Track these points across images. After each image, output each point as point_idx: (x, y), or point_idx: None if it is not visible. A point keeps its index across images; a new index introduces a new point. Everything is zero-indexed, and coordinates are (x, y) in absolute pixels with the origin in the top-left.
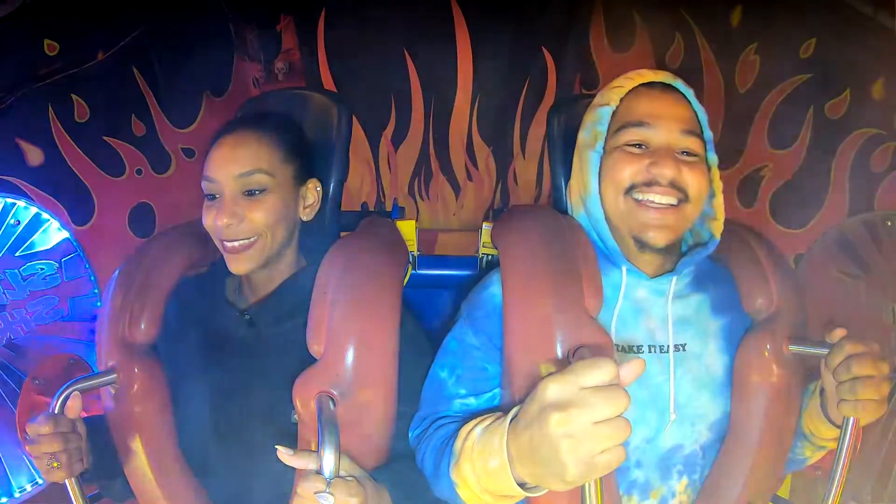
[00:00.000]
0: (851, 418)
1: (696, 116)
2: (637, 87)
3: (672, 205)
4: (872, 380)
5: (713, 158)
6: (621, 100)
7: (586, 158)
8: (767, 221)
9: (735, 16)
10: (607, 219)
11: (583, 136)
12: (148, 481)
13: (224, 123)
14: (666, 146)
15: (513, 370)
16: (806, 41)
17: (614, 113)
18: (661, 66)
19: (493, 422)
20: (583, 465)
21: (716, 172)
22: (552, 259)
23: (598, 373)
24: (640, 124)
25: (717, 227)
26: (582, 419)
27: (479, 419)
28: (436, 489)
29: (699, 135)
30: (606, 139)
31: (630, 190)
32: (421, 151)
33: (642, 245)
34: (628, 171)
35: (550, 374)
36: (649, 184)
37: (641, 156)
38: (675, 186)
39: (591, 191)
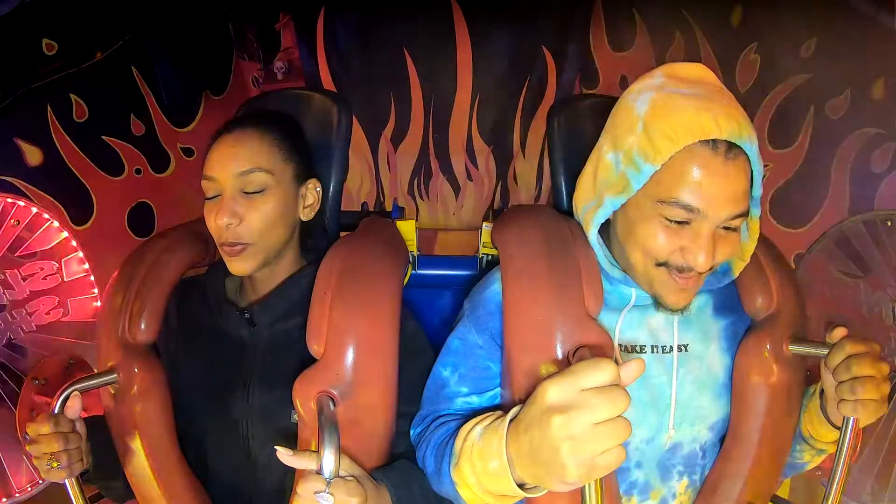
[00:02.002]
0: (851, 419)
1: (751, 182)
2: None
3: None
4: (873, 380)
5: (756, 213)
6: (671, 156)
7: (605, 199)
8: (767, 221)
9: (735, 15)
10: (612, 253)
11: (609, 168)
12: (148, 481)
13: (224, 123)
14: (709, 231)
15: (513, 370)
16: (806, 41)
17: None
18: (661, 65)
19: (493, 422)
20: (583, 466)
21: (756, 224)
22: (552, 259)
23: (597, 374)
24: (687, 208)
25: (739, 267)
26: (582, 421)
27: (478, 418)
28: (437, 488)
29: (747, 211)
30: (640, 190)
31: (660, 263)
32: (421, 151)
33: (660, 306)
34: (662, 246)
35: (550, 375)
36: (681, 269)
37: (679, 231)
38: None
39: (591, 235)
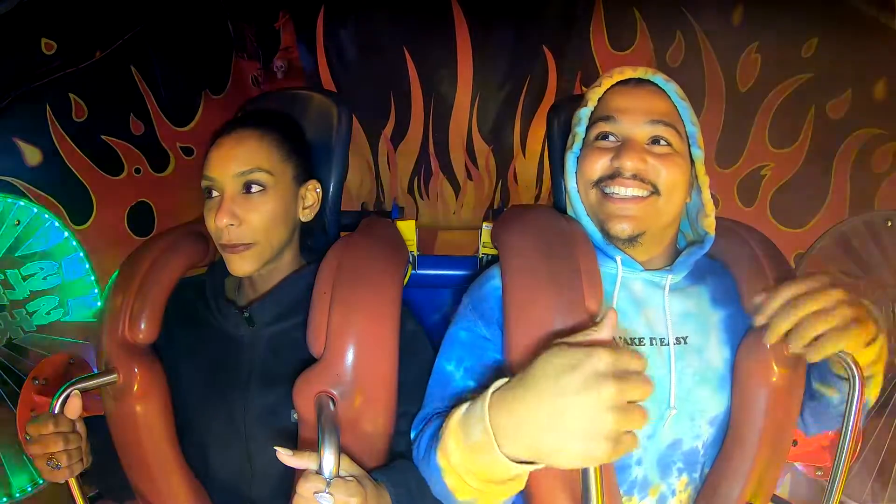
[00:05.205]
0: (851, 420)
1: (676, 110)
2: (614, 84)
3: (638, 196)
4: (816, 314)
5: (697, 153)
6: (599, 99)
7: (566, 159)
8: (768, 221)
9: (736, 15)
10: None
11: (569, 138)
12: (148, 481)
13: (223, 123)
14: (631, 137)
15: (513, 370)
16: (807, 41)
17: (592, 112)
18: (661, 65)
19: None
20: (610, 441)
21: (700, 167)
22: (552, 259)
23: (635, 362)
24: (607, 118)
25: (710, 224)
26: (629, 396)
27: (469, 401)
28: (428, 481)
29: (673, 125)
30: (584, 139)
31: (598, 183)
32: (421, 151)
33: (609, 237)
34: (596, 166)
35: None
36: (612, 176)
37: (608, 150)
38: (641, 178)
39: (570, 190)
